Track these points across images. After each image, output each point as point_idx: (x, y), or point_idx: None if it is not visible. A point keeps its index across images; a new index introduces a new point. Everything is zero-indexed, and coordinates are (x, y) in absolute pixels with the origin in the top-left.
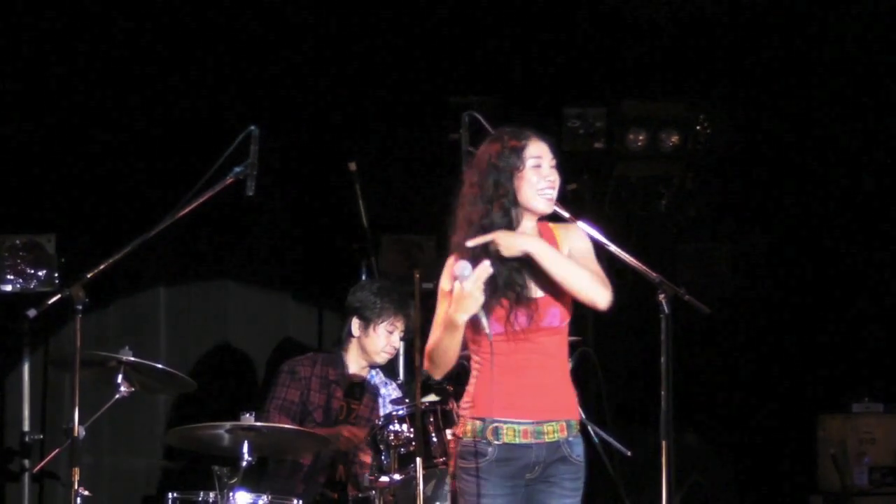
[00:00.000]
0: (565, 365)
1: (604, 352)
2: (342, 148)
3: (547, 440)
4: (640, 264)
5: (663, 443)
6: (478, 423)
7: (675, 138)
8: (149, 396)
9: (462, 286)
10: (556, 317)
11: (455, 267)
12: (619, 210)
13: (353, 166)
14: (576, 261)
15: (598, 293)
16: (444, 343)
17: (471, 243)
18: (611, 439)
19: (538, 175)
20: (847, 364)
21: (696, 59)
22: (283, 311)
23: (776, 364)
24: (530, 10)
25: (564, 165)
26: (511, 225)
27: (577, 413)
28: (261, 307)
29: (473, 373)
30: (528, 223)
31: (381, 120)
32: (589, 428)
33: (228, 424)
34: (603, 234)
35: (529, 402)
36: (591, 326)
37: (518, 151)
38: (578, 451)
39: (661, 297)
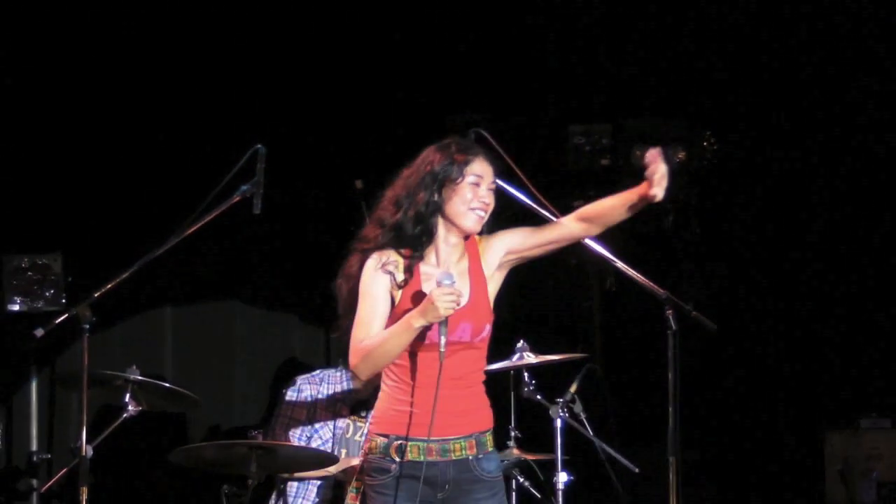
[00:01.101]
0: (478, 378)
1: (610, 368)
2: (349, 166)
3: (454, 457)
4: (646, 280)
5: (671, 459)
6: (382, 439)
7: (681, 155)
8: (156, 415)
9: (441, 290)
10: (468, 332)
11: (437, 274)
12: (626, 226)
13: (359, 184)
14: (512, 238)
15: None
16: (389, 345)
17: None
18: (618, 456)
19: (473, 192)
20: (854, 380)
21: (700, 75)
22: (289, 330)
23: (783, 380)
24: (535, 28)
25: (570, 182)
26: (423, 234)
27: (487, 424)
28: (267, 326)
29: (382, 388)
30: (451, 237)
31: (387, 137)
32: (596, 445)
33: (236, 443)
34: (609, 251)
35: (435, 418)
36: (598, 342)
37: (461, 165)
38: (490, 467)
39: (669, 313)
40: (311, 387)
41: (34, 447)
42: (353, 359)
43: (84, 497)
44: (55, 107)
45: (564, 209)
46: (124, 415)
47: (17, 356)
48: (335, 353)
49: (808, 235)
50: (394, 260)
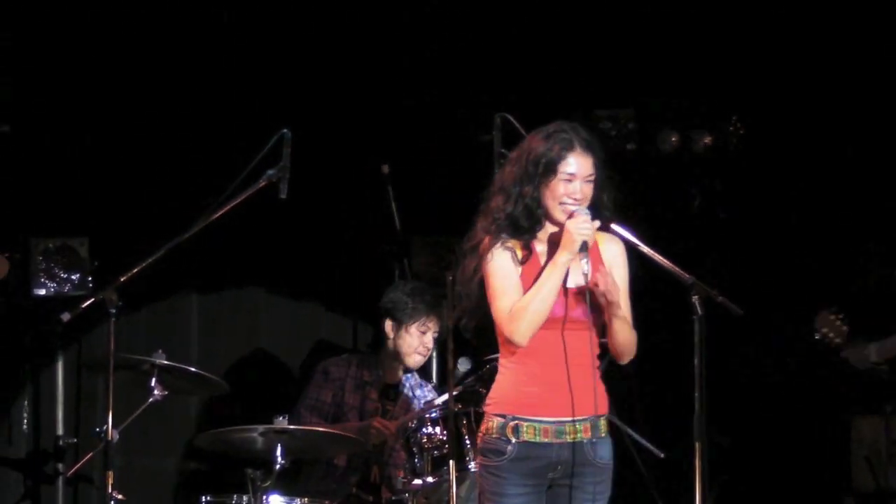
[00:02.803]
0: (593, 361)
1: (636, 352)
2: (375, 150)
3: (569, 440)
4: (672, 265)
5: (696, 444)
6: (499, 419)
7: (707, 139)
8: (182, 399)
9: (574, 219)
10: (585, 311)
11: (578, 209)
12: (652, 211)
13: (385, 169)
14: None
15: (631, 354)
16: (543, 291)
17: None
18: (643, 441)
19: (565, 188)
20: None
21: (728, 58)
22: (316, 314)
23: (809, 366)
24: (559, 11)
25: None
26: (535, 224)
27: (603, 409)
28: (294, 310)
29: (501, 370)
30: (556, 230)
31: (413, 122)
32: (621, 429)
33: (261, 427)
34: (635, 236)
35: (551, 399)
36: None
37: (555, 160)
38: (603, 453)
39: (695, 298)
40: (338, 369)
41: (60, 431)
42: (509, 326)
43: (110, 481)
44: (83, 92)
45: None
46: (150, 399)
47: (43, 340)
48: (362, 339)
49: (834, 220)
50: (510, 245)
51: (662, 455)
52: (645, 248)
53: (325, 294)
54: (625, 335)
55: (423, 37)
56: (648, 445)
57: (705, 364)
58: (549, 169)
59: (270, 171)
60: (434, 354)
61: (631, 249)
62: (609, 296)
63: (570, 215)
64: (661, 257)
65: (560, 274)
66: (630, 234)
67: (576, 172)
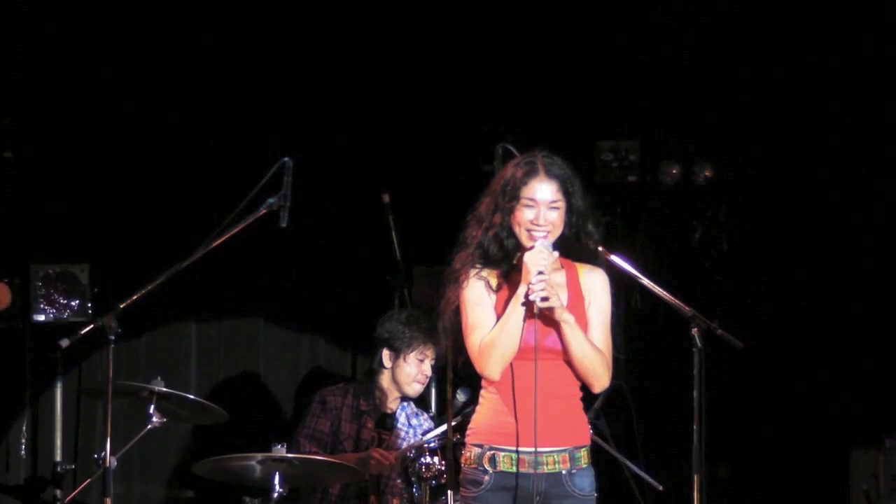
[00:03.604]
0: (573, 391)
1: (636, 384)
2: (376, 179)
3: (546, 471)
4: (672, 298)
5: (695, 477)
6: (476, 449)
7: (708, 171)
8: (180, 427)
9: (531, 251)
10: (556, 340)
11: (536, 241)
12: (652, 243)
13: (386, 197)
14: (591, 317)
15: (599, 379)
16: (508, 326)
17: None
18: (642, 473)
19: (528, 215)
20: (880, 397)
21: (730, 91)
22: (315, 342)
23: (808, 397)
24: (562, 43)
25: (597, 198)
26: (507, 256)
27: (583, 440)
28: (293, 338)
29: (480, 400)
30: None
31: (414, 151)
32: (620, 462)
33: (260, 455)
34: (635, 268)
35: (526, 429)
36: (622, 358)
37: (518, 187)
38: (583, 484)
39: (694, 331)
40: (335, 399)
41: (59, 458)
42: (479, 361)
43: None
44: (84, 119)
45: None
46: (148, 426)
47: (42, 366)
48: (361, 367)
49: (834, 251)
50: (484, 274)
51: (661, 488)
52: (645, 280)
53: (323, 322)
54: (583, 352)
55: (426, 66)
56: (648, 478)
57: (704, 396)
58: (513, 195)
59: (271, 200)
60: (433, 383)
61: (631, 281)
62: (547, 303)
63: (530, 248)
64: (661, 289)
65: (520, 313)
66: (630, 266)
67: (536, 198)
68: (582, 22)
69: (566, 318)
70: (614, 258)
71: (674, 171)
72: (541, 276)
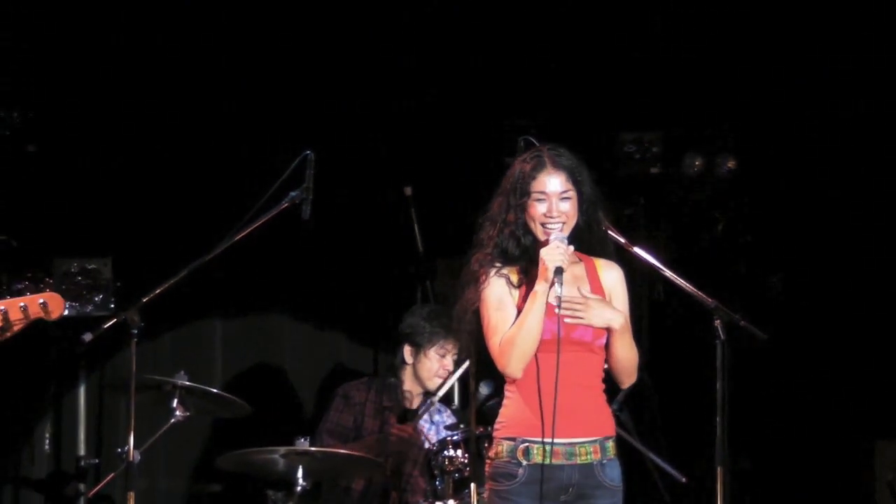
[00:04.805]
0: (599, 382)
1: (659, 377)
2: (398, 173)
3: (580, 462)
4: (695, 290)
5: (718, 469)
6: (508, 443)
7: (731, 163)
8: (204, 421)
9: (549, 246)
10: (588, 333)
11: (552, 235)
12: (676, 235)
13: (408, 191)
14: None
15: (632, 377)
16: (528, 323)
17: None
18: (665, 465)
19: (540, 209)
20: None
21: (754, 83)
22: (338, 337)
23: (833, 389)
24: (584, 35)
25: (619, 190)
26: (525, 252)
27: (611, 430)
28: (316, 333)
29: (506, 394)
30: None
31: (437, 145)
32: (643, 454)
33: (283, 449)
34: (658, 260)
35: (561, 421)
36: (645, 350)
37: (527, 182)
38: (613, 475)
39: (717, 322)
40: (358, 393)
41: (82, 452)
42: (501, 360)
43: (131, 502)
44: (107, 114)
45: (617, 221)
46: (172, 420)
47: (65, 361)
48: (382, 365)
49: (857, 241)
50: (504, 272)
51: (685, 480)
52: (668, 272)
53: (347, 318)
54: (625, 354)
55: (449, 60)
56: (671, 470)
57: (728, 388)
58: (524, 191)
59: (293, 193)
60: (455, 377)
61: (653, 273)
62: (585, 321)
63: (545, 243)
64: (683, 281)
65: (540, 304)
66: (653, 259)
67: (547, 191)
68: (604, 14)
69: (615, 320)
70: (637, 250)
71: (697, 163)
72: (574, 302)
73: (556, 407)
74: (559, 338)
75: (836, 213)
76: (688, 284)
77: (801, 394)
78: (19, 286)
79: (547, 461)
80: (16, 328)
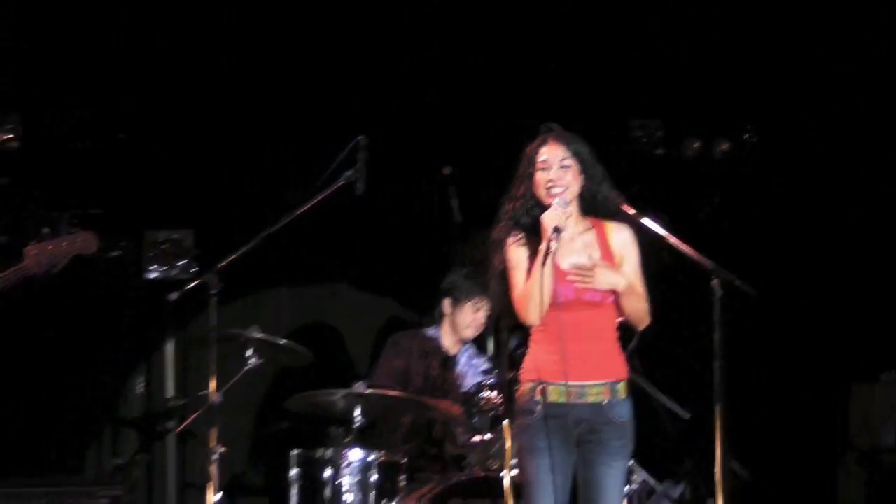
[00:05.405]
0: (610, 334)
1: (663, 329)
2: (438, 155)
3: (590, 401)
4: (696, 253)
5: (717, 406)
6: (529, 384)
7: (725, 146)
8: (274, 367)
9: (549, 210)
10: (597, 294)
11: (554, 200)
12: (679, 209)
13: (447, 171)
14: (626, 273)
15: (643, 321)
16: (536, 278)
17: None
18: (670, 403)
19: (544, 176)
20: (876, 340)
21: (748, 69)
22: (386, 297)
23: (813, 340)
24: (603, 36)
25: (630, 171)
26: (536, 222)
27: (621, 375)
28: (368, 294)
29: (530, 345)
30: (572, 227)
31: (471, 130)
32: (651, 393)
33: (343, 392)
34: (664, 229)
35: (573, 366)
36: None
37: (532, 155)
38: (622, 412)
39: (715, 282)
40: (406, 341)
41: (170, 394)
42: (521, 311)
43: (213, 437)
44: (189, 108)
45: (628, 195)
46: (246, 367)
47: (155, 317)
48: (426, 319)
49: (833, 214)
50: (521, 239)
51: (688, 416)
52: (672, 239)
53: (395, 279)
54: (633, 306)
55: (486, 63)
56: (675, 407)
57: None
58: (530, 163)
59: (348, 172)
60: (489, 332)
61: (661, 240)
62: (591, 285)
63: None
64: (685, 246)
65: (541, 261)
66: (660, 228)
67: (548, 159)
68: (615, 20)
69: (619, 283)
70: (645, 220)
71: (694, 146)
72: (580, 269)
73: (565, 355)
74: (576, 298)
75: (810, 183)
76: (689, 249)
77: (786, 345)
78: (114, 254)
79: (561, 399)
80: (64, 261)
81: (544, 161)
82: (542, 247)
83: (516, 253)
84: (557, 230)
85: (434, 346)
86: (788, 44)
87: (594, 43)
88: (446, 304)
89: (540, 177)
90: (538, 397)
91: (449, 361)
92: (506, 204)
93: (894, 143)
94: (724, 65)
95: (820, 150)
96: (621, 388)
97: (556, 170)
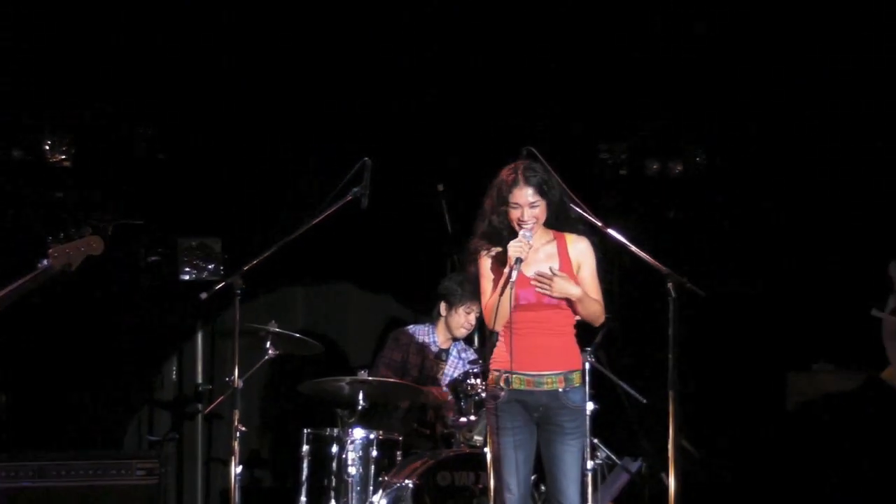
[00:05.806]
0: (567, 330)
1: (626, 325)
2: (432, 173)
3: (546, 389)
4: (652, 259)
5: (670, 392)
6: (496, 373)
7: (679, 167)
8: (289, 357)
9: (514, 240)
10: (554, 299)
11: (521, 231)
12: (640, 221)
13: (440, 187)
14: (584, 278)
15: (598, 320)
16: (501, 298)
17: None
18: (631, 390)
19: (515, 214)
20: (809, 334)
21: (701, 98)
22: (387, 298)
23: (754, 334)
24: (581, 65)
25: (598, 188)
26: (505, 241)
27: (575, 365)
28: (372, 295)
29: (499, 338)
30: (537, 239)
31: (461, 151)
32: (614, 381)
33: (348, 379)
34: (625, 238)
35: (532, 358)
36: (617, 306)
37: (506, 194)
38: (576, 398)
39: (670, 285)
40: (405, 336)
41: (199, 380)
42: (487, 319)
43: (236, 417)
44: (217, 131)
45: (596, 209)
46: (265, 357)
47: (187, 313)
48: (422, 318)
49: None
50: (493, 253)
51: (645, 401)
52: (633, 247)
53: (394, 283)
54: (587, 309)
55: (473, 90)
56: (634, 393)
57: (677, 332)
58: (503, 200)
59: (355, 189)
60: (476, 329)
61: (623, 247)
62: (549, 293)
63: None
64: (644, 254)
65: (503, 289)
66: (622, 237)
67: (519, 202)
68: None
69: (573, 293)
70: (610, 231)
71: (654, 166)
72: (544, 280)
73: (512, 349)
74: (511, 307)
75: (751, 197)
76: (647, 256)
77: (731, 337)
78: (153, 258)
79: (522, 387)
80: (78, 261)
81: (516, 203)
82: (505, 272)
83: (485, 265)
84: (519, 260)
85: (429, 342)
86: (736, 71)
87: (573, 75)
88: (442, 306)
89: (512, 213)
90: (503, 384)
91: (442, 354)
92: (480, 220)
93: (817, 150)
94: (680, 95)
95: (757, 169)
96: (575, 377)
97: (527, 210)
